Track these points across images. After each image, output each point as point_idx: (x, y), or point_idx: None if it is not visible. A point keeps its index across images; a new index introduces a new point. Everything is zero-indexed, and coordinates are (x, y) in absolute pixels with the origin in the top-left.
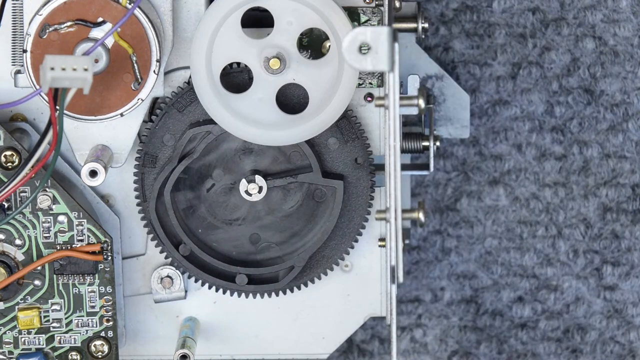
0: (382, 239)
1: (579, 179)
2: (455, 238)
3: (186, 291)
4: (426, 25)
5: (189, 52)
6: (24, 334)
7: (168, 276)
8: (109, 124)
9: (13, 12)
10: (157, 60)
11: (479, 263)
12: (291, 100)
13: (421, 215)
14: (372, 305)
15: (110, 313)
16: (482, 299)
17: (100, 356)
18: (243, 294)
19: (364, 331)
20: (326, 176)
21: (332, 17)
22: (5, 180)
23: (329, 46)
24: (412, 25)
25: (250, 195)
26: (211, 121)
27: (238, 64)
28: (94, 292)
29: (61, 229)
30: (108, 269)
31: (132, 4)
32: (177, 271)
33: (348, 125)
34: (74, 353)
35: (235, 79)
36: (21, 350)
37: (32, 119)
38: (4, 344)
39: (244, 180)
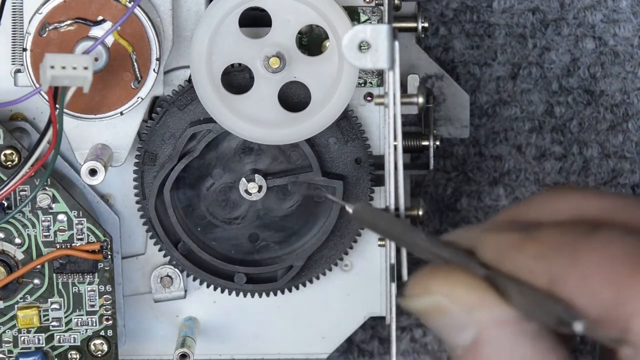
0: (381, 239)
1: (579, 179)
2: None
3: (186, 291)
4: (426, 24)
5: (189, 51)
6: (24, 333)
7: (168, 275)
8: (108, 122)
9: (13, 11)
10: (157, 59)
11: None
12: (292, 100)
13: (420, 212)
14: (372, 305)
15: (109, 312)
16: None
17: (99, 355)
18: (242, 293)
19: (364, 331)
20: (326, 176)
21: (332, 15)
22: (5, 179)
23: (329, 45)
24: (412, 24)
25: (249, 194)
26: (212, 120)
27: (239, 63)
28: (93, 291)
29: (61, 227)
30: (108, 268)
31: (132, 3)
32: (177, 270)
33: (348, 125)
34: (73, 352)
35: (236, 77)
36: (20, 349)
37: (32, 118)
38: (3, 342)
39: (243, 179)
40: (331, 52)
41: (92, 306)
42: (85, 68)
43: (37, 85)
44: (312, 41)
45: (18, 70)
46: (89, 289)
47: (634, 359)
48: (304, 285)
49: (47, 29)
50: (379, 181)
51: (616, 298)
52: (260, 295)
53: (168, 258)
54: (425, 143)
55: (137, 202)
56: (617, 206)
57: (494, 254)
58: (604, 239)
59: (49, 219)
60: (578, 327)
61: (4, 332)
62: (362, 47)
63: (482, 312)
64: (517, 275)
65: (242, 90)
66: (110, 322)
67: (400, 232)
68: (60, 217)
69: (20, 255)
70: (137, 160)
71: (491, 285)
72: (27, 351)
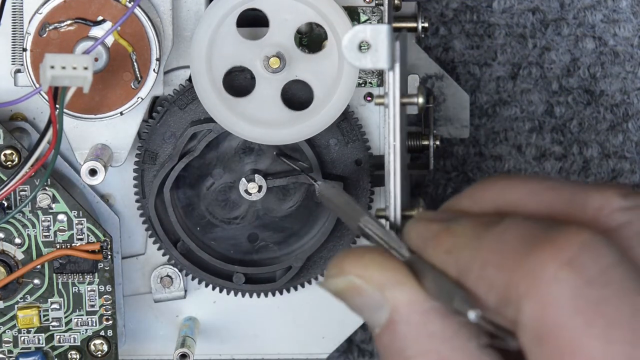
0: None
1: (579, 179)
2: None
3: (186, 291)
4: (426, 24)
5: (189, 51)
6: (24, 333)
7: (168, 276)
8: (108, 122)
9: (13, 11)
10: (157, 59)
11: None
12: (295, 98)
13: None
14: None
15: (109, 312)
16: None
17: (99, 355)
18: (241, 293)
19: (364, 331)
20: (326, 177)
21: (332, 15)
22: (5, 179)
23: (329, 43)
24: (412, 24)
25: (249, 194)
26: (212, 119)
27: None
28: (93, 291)
29: (61, 227)
30: (108, 268)
31: (132, 3)
32: (177, 270)
33: (349, 126)
34: (73, 352)
35: (238, 78)
36: (20, 349)
37: (32, 118)
38: (3, 343)
39: (243, 180)
40: (331, 48)
41: (92, 306)
42: (85, 68)
43: (37, 85)
44: (312, 41)
45: (18, 70)
46: (89, 289)
47: (527, 342)
48: (303, 286)
49: (47, 29)
50: (379, 181)
51: (508, 282)
52: (258, 296)
53: (168, 258)
54: (425, 143)
55: (137, 202)
56: (532, 192)
57: (417, 243)
58: (502, 228)
59: (49, 219)
60: (471, 315)
61: (4, 332)
62: (362, 47)
63: (395, 291)
64: (433, 265)
65: (244, 91)
66: (110, 322)
67: (350, 213)
68: (60, 217)
69: (20, 255)
70: (137, 159)
71: (410, 268)
72: (27, 351)
